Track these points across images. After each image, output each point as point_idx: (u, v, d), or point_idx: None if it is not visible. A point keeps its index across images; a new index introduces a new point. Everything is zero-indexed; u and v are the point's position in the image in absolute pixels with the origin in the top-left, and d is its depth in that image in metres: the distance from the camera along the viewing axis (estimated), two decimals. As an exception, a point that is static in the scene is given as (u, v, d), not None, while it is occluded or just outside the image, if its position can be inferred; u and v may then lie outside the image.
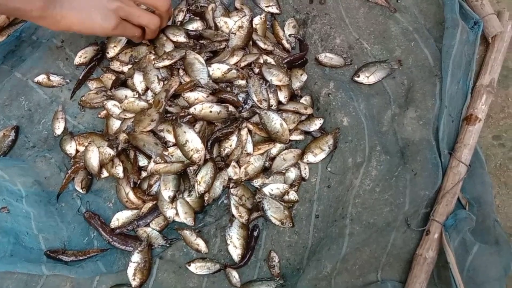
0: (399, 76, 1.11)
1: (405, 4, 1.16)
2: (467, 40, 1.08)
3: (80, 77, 1.08)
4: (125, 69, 1.06)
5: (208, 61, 1.00)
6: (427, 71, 1.10)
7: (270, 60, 1.04)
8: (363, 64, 1.12)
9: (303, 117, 1.06)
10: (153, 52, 1.02)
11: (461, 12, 1.12)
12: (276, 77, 1.00)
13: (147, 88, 0.99)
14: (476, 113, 1.05)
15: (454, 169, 1.00)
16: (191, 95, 0.96)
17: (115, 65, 1.06)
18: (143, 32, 0.98)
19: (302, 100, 1.07)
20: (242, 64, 1.01)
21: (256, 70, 1.01)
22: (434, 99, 1.07)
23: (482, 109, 1.05)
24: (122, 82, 1.04)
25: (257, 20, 1.09)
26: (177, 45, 1.03)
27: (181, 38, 1.02)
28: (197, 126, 0.97)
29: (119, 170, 0.99)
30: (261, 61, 1.02)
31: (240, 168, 1.00)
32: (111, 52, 1.08)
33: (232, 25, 1.04)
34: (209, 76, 0.97)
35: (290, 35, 1.13)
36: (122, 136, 1.00)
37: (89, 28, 0.88)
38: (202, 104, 0.95)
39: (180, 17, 1.08)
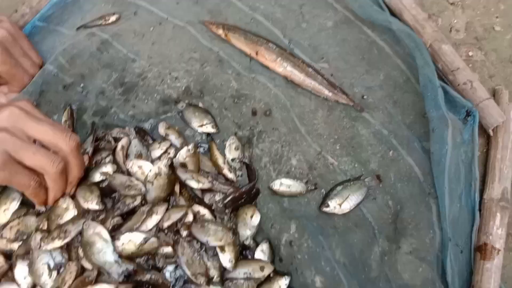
0: (381, 197, 0.84)
1: (373, 100, 0.90)
2: (461, 141, 0.82)
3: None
4: (15, 246, 0.78)
5: (118, 230, 0.72)
6: (417, 187, 0.83)
7: (203, 211, 0.76)
8: (331, 186, 0.84)
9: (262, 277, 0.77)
10: (44, 228, 0.75)
11: (446, 99, 0.86)
12: (214, 237, 0.73)
13: (35, 284, 0.71)
14: (491, 242, 0.77)
15: (476, 331, 0.70)
16: (94, 291, 0.68)
17: (1, 243, 0.78)
18: (44, 189, 0.71)
19: (257, 252, 0.79)
20: (165, 224, 0.74)
21: (184, 233, 0.73)
22: (433, 230, 0.79)
23: (499, 235, 0.77)
24: (8, 269, 0.76)
25: (184, 153, 0.83)
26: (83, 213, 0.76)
27: (93, 205, 0.75)
28: (108, 331, 0.68)
29: None
30: (190, 218, 0.75)
31: None
32: (2, 217, 0.81)
33: (147, 170, 0.77)
34: (117, 255, 0.69)
35: (233, 160, 0.86)
36: None
37: None
38: (110, 302, 0.66)
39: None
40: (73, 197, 0.77)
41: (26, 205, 0.81)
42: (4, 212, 0.81)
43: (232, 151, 0.88)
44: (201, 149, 0.89)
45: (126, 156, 0.83)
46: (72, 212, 0.76)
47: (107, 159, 0.84)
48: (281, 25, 0.96)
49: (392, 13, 0.95)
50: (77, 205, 0.77)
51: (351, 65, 0.93)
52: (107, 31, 0.95)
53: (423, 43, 0.88)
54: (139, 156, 0.82)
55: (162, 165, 0.76)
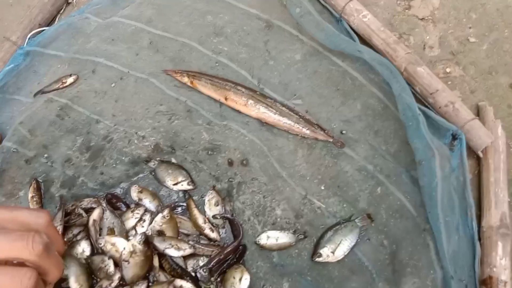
0: (375, 237, 0.79)
1: (353, 134, 0.85)
2: (450, 169, 0.77)
3: None
4: None
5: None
6: (411, 222, 0.78)
7: (186, 286, 0.71)
8: (321, 232, 0.79)
9: None
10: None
11: (429, 123, 0.81)
12: (201, 311, 0.67)
13: None
14: (496, 274, 0.72)
15: None
16: None
17: None
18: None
19: (251, 315, 0.74)
20: (147, 305, 0.68)
21: (169, 314, 0.68)
22: (433, 270, 0.74)
23: (503, 266, 0.72)
24: None
25: (160, 220, 0.77)
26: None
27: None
28: None
29: None
30: (172, 294, 0.69)
31: None
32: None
33: (121, 248, 0.71)
34: None
35: (214, 217, 0.81)
36: None
37: None
38: None
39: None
40: None
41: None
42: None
43: (212, 207, 0.83)
44: (179, 209, 0.84)
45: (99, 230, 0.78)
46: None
47: (79, 236, 0.78)
48: (247, 65, 0.91)
49: (361, 38, 0.90)
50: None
51: (326, 98, 0.89)
52: (65, 95, 0.90)
53: (397, 68, 0.84)
54: (111, 230, 0.76)
55: (136, 242, 0.70)
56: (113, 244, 0.73)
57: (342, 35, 0.87)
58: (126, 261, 0.71)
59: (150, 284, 0.71)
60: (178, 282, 0.71)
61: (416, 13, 0.96)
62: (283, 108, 0.87)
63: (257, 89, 0.90)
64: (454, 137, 0.82)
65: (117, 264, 0.73)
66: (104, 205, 0.80)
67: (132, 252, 0.70)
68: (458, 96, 0.88)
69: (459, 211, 0.78)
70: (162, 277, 0.73)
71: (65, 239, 0.78)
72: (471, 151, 0.84)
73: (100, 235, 0.77)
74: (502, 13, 0.95)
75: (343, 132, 0.86)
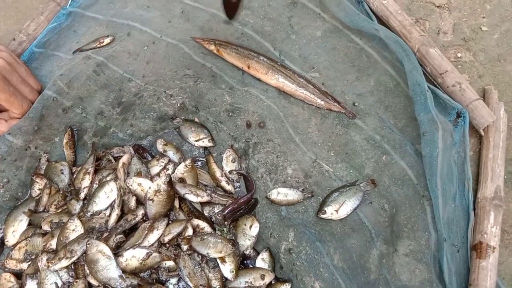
0: (377, 201, 0.85)
1: (365, 106, 0.92)
2: (452, 143, 0.83)
3: (-24, 279, 0.83)
4: (25, 266, 0.81)
5: (121, 247, 0.75)
6: (411, 189, 0.85)
7: (203, 225, 0.79)
8: (327, 193, 0.86)
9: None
10: (50, 248, 0.77)
11: (436, 102, 0.87)
12: (214, 249, 0.76)
13: (44, 304, 0.74)
14: (486, 240, 0.78)
15: (475, 330, 0.72)
16: (100, 308, 0.70)
17: (11, 264, 0.81)
18: None
19: (258, 260, 0.82)
20: (166, 238, 0.76)
21: (185, 247, 0.76)
22: (428, 232, 0.81)
23: (493, 233, 0.78)
24: (19, 289, 0.79)
25: (182, 169, 0.85)
26: (90, 229, 0.79)
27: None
28: None
29: None
30: (190, 232, 0.77)
31: None
32: (11, 238, 0.85)
33: (147, 187, 0.80)
34: (121, 270, 0.71)
35: (230, 172, 0.89)
36: None
37: None
38: (116, 318, 0.69)
39: (85, 183, 0.84)
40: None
41: (32, 226, 0.84)
42: (12, 233, 0.85)
43: (229, 164, 0.90)
44: (199, 163, 0.92)
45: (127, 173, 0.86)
46: (79, 233, 0.78)
47: (108, 178, 0.86)
48: (271, 38, 0.98)
49: (379, 20, 0.97)
50: (83, 224, 0.79)
51: (342, 73, 0.95)
52: (102, 54, 0.98)
53: (411, 48, 0.90)
54: (138, 173, 0.85)
55: (161, 182, 0.78)
56: (139, 184, 0.81)
57: (362, 15, 0.93)
58: (151, 199, 0.79)
59: (170, 222, 0.79)
60: (196, 221, 0.79)
61: (433, 1, 1.02)
62: (301, 79, 0.94)
63: (278, 60, 0.97)
64: (459, 115, 0.88)
65: (140, 203, 0.81)
66: (132, 151, 0.88)
67: (157, 191, 0.78)
68: (466, 80, 0.94)
69: (457, 182, 0.85)
70: (181, 216, 0.80)
71: (96, 180, 0.86)
72: (474, 131, 0.90)
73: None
74: (516, 5, 1.00)
75: (355, 104, 0.92)
